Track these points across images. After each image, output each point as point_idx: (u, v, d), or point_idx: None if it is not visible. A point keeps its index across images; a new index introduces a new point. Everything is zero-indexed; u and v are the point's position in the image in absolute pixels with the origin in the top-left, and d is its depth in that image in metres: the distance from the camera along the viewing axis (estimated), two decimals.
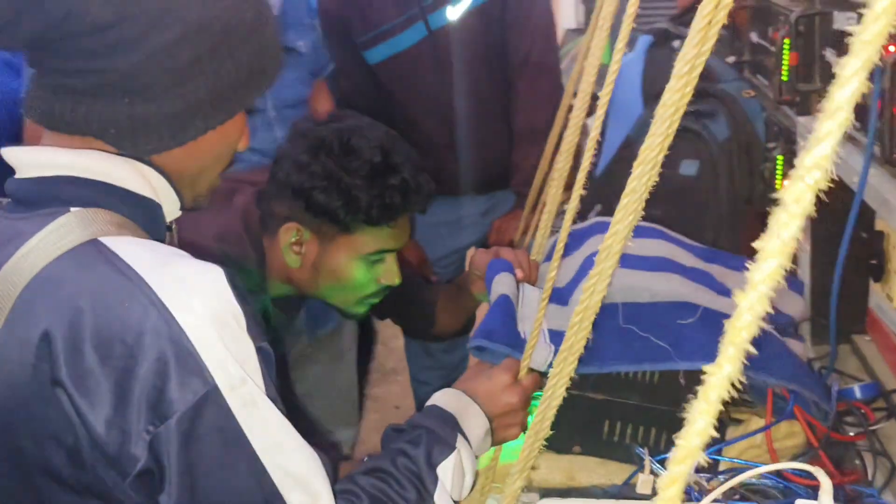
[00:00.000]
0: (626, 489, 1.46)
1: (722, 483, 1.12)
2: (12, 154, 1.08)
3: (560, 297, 1.62)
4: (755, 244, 0.57)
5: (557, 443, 1.54)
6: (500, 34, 2.63)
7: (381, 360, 4.14)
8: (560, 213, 1.59)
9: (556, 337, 1.44)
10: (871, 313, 1.76)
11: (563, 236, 1.41)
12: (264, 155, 2.04)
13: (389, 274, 1.72)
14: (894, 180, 1.36)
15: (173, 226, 1.17)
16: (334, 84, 2.71)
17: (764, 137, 2.13)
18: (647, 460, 1.42)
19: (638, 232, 1.80)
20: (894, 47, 1.27)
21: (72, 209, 1.03)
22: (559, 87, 2.65)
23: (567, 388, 1.19)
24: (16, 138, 2.12)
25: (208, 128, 1.09)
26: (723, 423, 1.54)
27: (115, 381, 0.95)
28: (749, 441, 1.51)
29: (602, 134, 2.52)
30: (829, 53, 1.67)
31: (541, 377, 1.42)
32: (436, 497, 1.20)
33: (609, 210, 1.05)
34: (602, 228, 1.08)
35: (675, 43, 2.40)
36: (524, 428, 1.39)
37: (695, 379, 0.90)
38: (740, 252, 1.97)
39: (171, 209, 1.13)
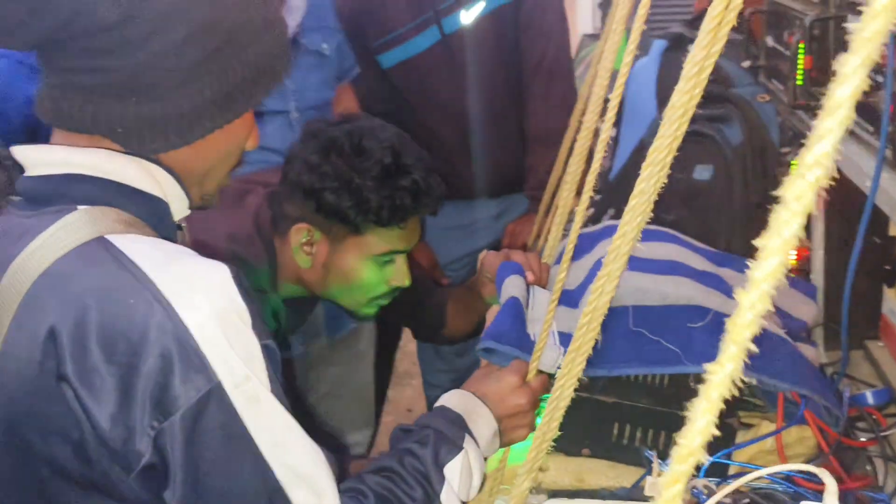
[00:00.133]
0: (635, 492, 1.46)
1: (732, 485, 1.12)
2: (22, 152, 1.09)
3: (570, 299, 1.62)
4: (756, 242, 0.57)
5: (567, 445, 1.54)
6: (513, 38, 2.63)
7: (394, 363, 4.14)
8: (573, 217, 1.59)
9: (566, 339, 1.44)
10: (885, 319, 1.75)
11: (572, 238, 1.41)
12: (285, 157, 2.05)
13: (399, 275, 1.72)
14: None
15: (184, 225, 1.18)
16: (360, 88, 2.71)
17: (778, 142, 2.13)
18: (656, 463, 1.42)
19: (649, 235, 1.82)
20: None
21: (80, 207, 1.04)
22: (573, 91, 2.65)
23: (576, 391, 1.19)
24: (30, 137, 2.13)
25: (215, 127, 1.10)
26: (733, 427, 1.53)
27: (119, 378, 0.96)
28: (759, 446, 1.50)
29: (616, 138, 2.52)
30: None
31: (549, 379, 1.42)
32: (443, 497, 1.20)
33: (622, 214, 1.05)
34: (613, 232, 1.08)
35: (690, 47, 2.39)
36: (533, 429, 1.39)
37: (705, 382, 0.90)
38: (753, 257, 1.96)
39: (180, 208, 1.13)
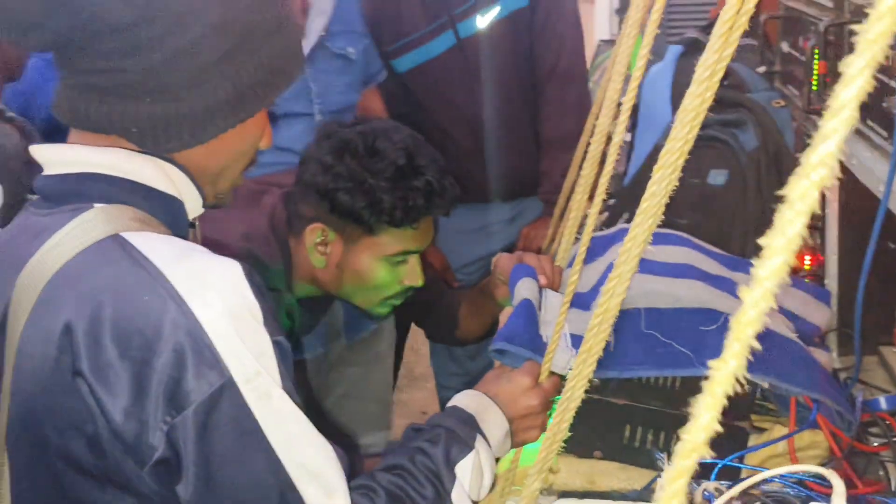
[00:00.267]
0: (646, 494, 1.46)
1: (739, 487, 1.12)
2: (39, 151, 1.11)
3: (583, 302, 1.63)
4: (760, 241, 0.58)
5: (578, 447, 1.54)
6: (528, 43, 2.64)
7: (409, 365, 4.15)
8: (586, 220, 1.59)
9: (578, 341, 1.44)
10: None
11: (584, 240, 1.42)
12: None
13: (412, 275, 1.73)
14: None
15: (196, 223, 1.19)
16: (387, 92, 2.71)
17: (793, 147, 2.13)
18: (667, 465, 1.42)
19: (662, 239, 1.82)
20: None
21: (95, 205, 1.06)
22: (587, 96, 2.65)
23: (588, 393, 1.19)
24: (57, 135, 2.15)
25: (229, 126, 1.11)
26: (745, 431, 1.53)
27: (133, 373, 0.97)
28: (772, 450, 1.50)
29: (632, 143, 2.53)
30: None
31: (561, 380, 1.43)
32: (453, 495, 1.21)
33: None
34: (626, 235, 1.09)
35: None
36: (545, 430, 1.39)
37: None
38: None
39: (194, 206, 1.15)
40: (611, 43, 4.64)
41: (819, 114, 1.86)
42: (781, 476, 1.34)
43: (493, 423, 1.34)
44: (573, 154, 2.19)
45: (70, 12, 1.01)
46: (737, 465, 1.44)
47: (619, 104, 1.36)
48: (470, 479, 1.24)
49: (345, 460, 1.07)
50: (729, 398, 0.62)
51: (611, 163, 1.35)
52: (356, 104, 2.51)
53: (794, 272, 1.98)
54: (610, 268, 1.68)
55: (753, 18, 0.98)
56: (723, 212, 2.16)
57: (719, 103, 2.20)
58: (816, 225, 1.91)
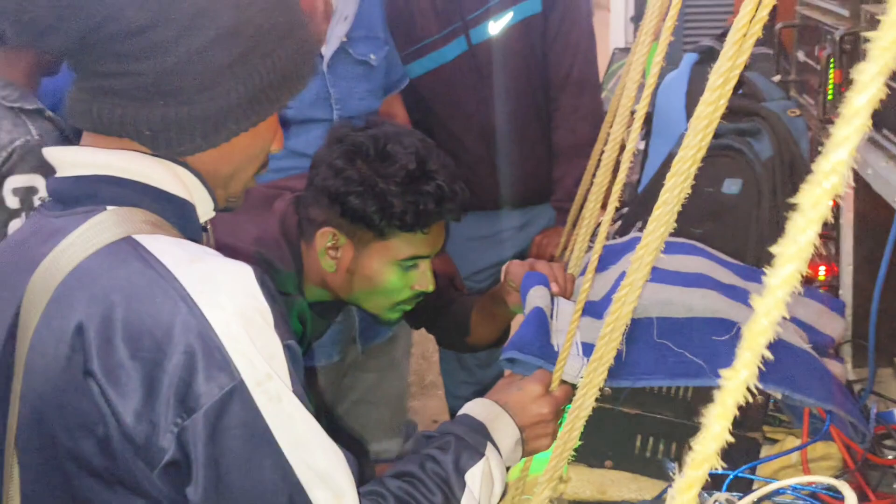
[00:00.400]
0: None
1: (750, 497, 1.11)
2: (52, 154, 1.12)
3: (595, 310, 1.62)
4: (772, 249, 0.57)
5: (589, 457, 1.54)
6: (541, 50, 2.63)
7: (420, 373, 4.15)
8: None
9: (590, 350, 1.44)
10: None
11: (597, 248, 1.42)
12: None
13: (423, 280, 1.73)
14: None
15: (208, 226, 1.19)
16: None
17: (808, 157, 2.12)
18: (678, 475, 1.41)
19: (676, 248, 1.81)
20: None
21: (108, 208, 1.06)
22: (600, 104, 2.65)
23: (600, 402, 1.18)
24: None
25: (241, 130, 1.11)
26: (758, 442, 1.52)
27: (144, 374, 0.97)
28: (784, 461, 1.49)
29: (646, 151, 2.52)
30: None
31: (572, 389, 1.42)
32: (463, 503, 1.20)
33: None
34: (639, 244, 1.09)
35: None
36: (555, 439, 1.39)
37: None
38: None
39: (205, 209, 1.15)
40: (626, 51, 4.63)
41: (834, 123, 1.85)
42: (794, 487, 1.33)
43: (504, 431, 1.34)
44: (586, 162, 2.19)
45: (84, 15, 1.02)
46: (749, 476, 1.43)
47: (633, 112, 1.35)
48: (480, 487, 1.23)
49: (354, 465, 1.07)
50: (741, 408, 0.61)
51: (624, 171, 1.35)
52: (376, 111, 2.51)
53: (809, 283, 1.97)
54: (622, 276, 1.68)
55: (769, 27, 0.98)
56: (737, 221, 2.15)
57: (734, 112, 2.19)
58: (831, 235, 1.90)
